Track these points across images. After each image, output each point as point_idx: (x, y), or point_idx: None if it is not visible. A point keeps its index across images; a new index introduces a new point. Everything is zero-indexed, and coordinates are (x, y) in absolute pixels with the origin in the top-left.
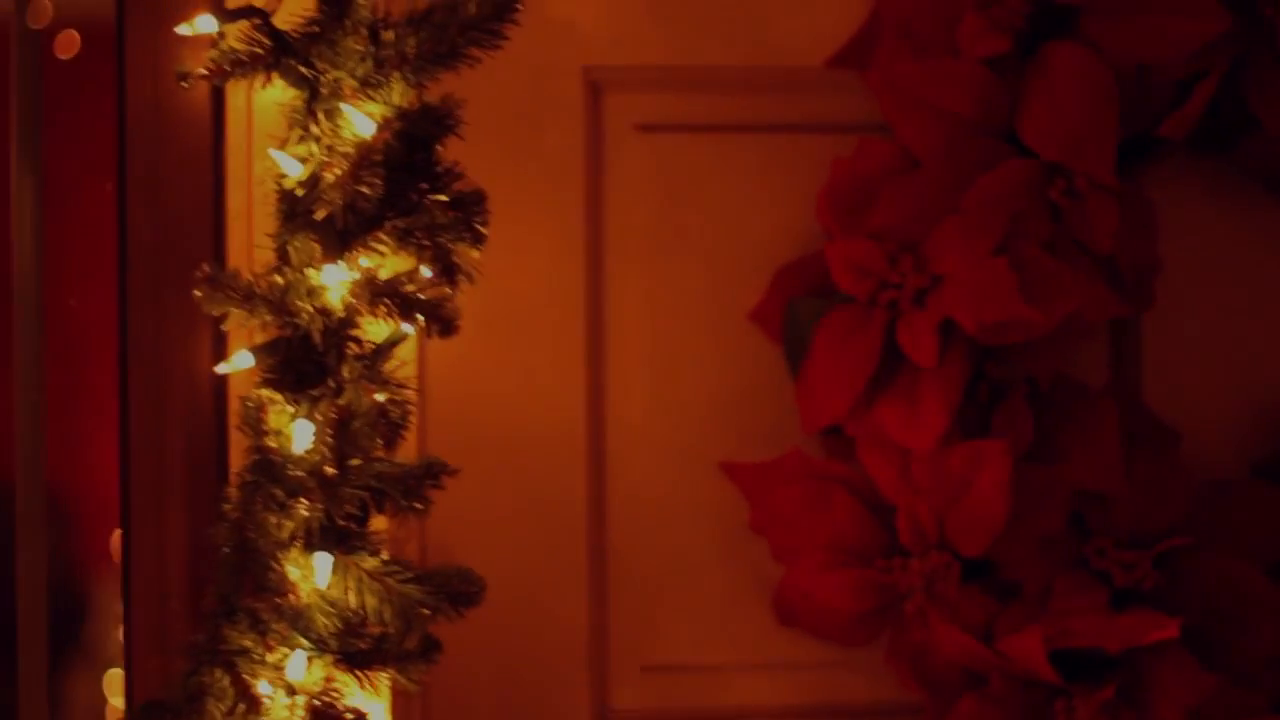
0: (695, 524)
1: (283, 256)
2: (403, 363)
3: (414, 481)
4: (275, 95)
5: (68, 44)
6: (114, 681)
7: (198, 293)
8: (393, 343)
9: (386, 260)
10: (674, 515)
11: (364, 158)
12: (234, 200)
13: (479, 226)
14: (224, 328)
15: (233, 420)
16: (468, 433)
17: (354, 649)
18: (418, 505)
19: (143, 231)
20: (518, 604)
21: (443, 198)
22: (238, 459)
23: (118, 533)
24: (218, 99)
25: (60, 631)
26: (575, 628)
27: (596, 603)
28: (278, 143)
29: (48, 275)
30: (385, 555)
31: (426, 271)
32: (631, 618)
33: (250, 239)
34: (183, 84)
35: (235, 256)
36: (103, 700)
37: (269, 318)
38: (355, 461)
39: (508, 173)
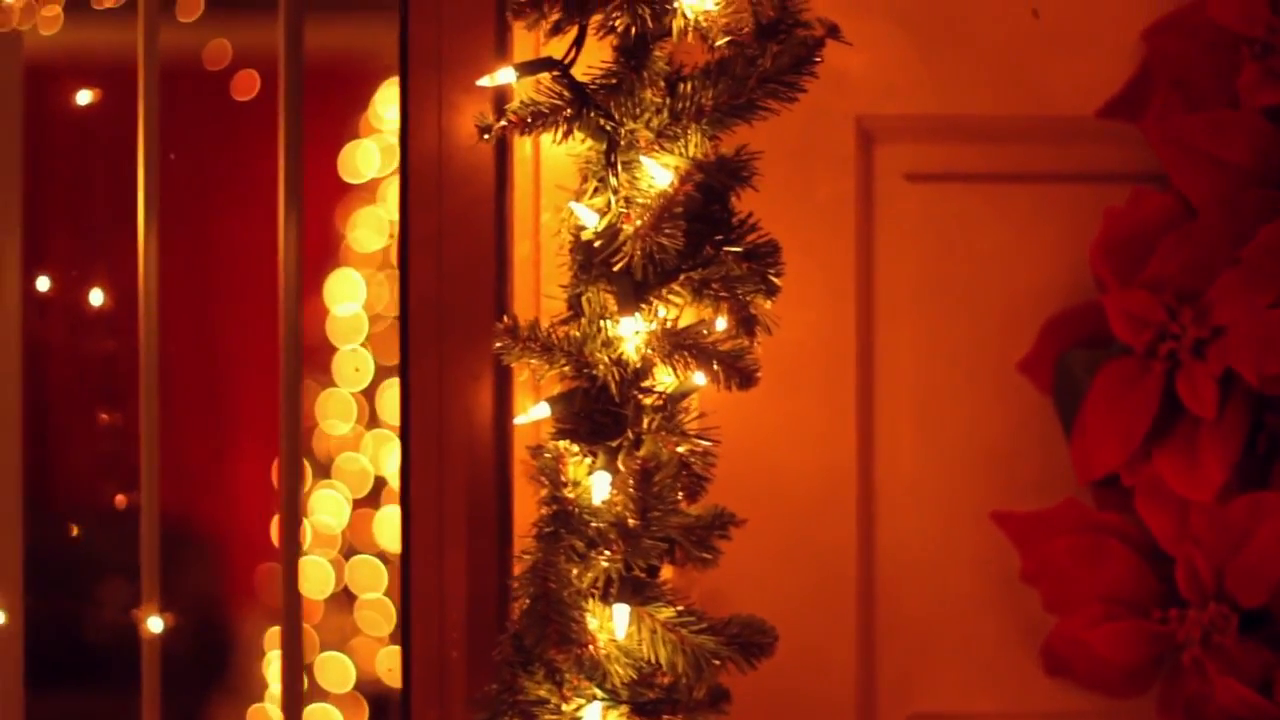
0: (963, 573)
1: (575, 307)
2: (701, 413)
3: (704, 531)
4: (565, 146)
5: (245, 86)
6: (258, 716)
7: (498, 344)
8: (685, 393)
9: (680, 312)
10: (942, 563)
11: (665, 209)
12: (520, 250)
13: (773, 278)
14: (520, 379)
15: (517, 469)
16: (740, 480)
17: (644, 698)
18: (707, 555)
19: (425, 283)
20: (787, 650)
21: (737, 249)
22: (522, 508)
23: (261, 567)
24: (501, 149)
25: (209, 665)
26: (844, 674)
27: (865, 649)
28: (569, 193)
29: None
30: (679, 606)
31: (720, 322)
32: (900, 665)
33: (537, 289)
34: (484, 137)
35: (521, 306)
36: None
37: (567, 369)
38: (655, 513)
39: (780, 220)
